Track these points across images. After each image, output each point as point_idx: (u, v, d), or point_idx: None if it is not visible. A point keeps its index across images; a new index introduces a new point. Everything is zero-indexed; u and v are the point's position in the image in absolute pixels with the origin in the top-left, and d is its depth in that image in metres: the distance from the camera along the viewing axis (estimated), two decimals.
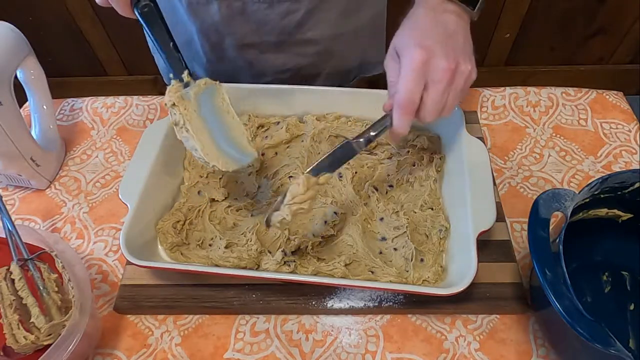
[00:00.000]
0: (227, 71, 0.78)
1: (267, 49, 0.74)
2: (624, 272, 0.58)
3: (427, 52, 0.48)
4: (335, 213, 0.59)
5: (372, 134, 0.53)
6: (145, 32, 0.54)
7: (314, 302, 0.57)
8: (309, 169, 0.52)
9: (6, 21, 0.66)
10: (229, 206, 0.62)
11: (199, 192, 0.64)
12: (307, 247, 0.57)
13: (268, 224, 0.53)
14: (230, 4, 0.68)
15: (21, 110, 0.70)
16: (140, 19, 0.52)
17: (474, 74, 0.51)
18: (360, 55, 0.81)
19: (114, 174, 0.73)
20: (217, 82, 0.57)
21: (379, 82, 0.97)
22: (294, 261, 0.56)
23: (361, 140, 0.53)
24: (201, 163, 0.55)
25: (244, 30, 0.72)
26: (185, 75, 0.54)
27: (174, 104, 0.53)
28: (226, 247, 0.57)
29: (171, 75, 0.54)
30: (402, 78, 0.49)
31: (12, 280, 0.53)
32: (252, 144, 0.59)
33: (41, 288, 0.52)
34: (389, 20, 0.79)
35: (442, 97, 0.49)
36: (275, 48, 0.74)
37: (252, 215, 0.62)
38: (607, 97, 0.78)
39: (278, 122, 0.70)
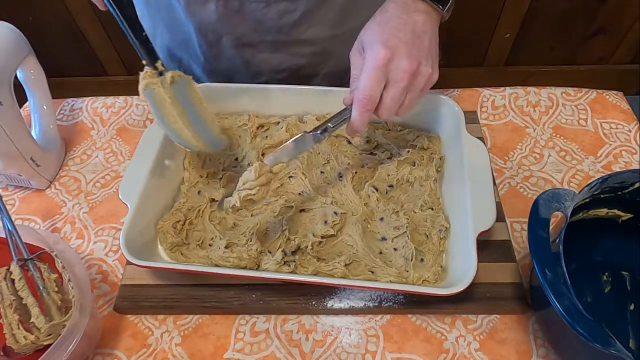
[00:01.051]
0: (225, 70, 0.78)
1: (264, 49, 0.74)
2: (624, 272, 0.58)
3: (390, 52, 0.50)
4: (335, 213, 0.59)
5: (330, 126, 0.54)
6: (118, 21, 0.54)
7: (314, 302, 0.57)
8: (265, 159, 0.54)
9: (6, 21, 0.66)
10: None
11: (199, 192, 0.64)
12: (307, 247, 0.57)
13: (220, 209, 0.54)
14: (228, 2, 0.68)
15: (21, 110, 0.70)
16: (110, 6, 0.52)
17: (434, 76, 0.53)
18: None
19: (114, 174, 0.73)
20: (189, 76, 0.58)
21: None
22: (294, 261, 0.56)
23: (318, 132, 0.54)
24: (177, 144, 0.57)
25: (241, 30, 0.72)
26: (159, 64, 0.55)
27: (152, 89, 0.55)
28: (226, 247, 0.57)
29: (144, 62, 0.55)
30: (364, 75, 0.51)
31: (12, 280, 0.53)
32: (224, 133, 0.61)
33: (41, 288, 0.52)
34: None
35: (400, 97, 0.52)
36: (272, 48, 0.74)
37: (252, 215, 0.62)
38: (607, 97, 0.78)
39: (278, 122, 0.70)
